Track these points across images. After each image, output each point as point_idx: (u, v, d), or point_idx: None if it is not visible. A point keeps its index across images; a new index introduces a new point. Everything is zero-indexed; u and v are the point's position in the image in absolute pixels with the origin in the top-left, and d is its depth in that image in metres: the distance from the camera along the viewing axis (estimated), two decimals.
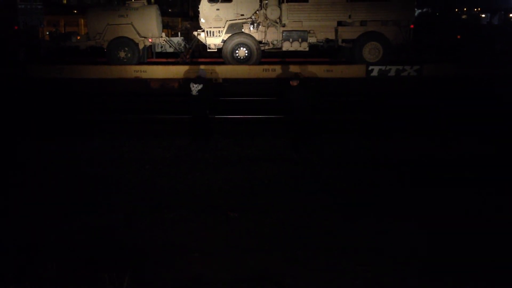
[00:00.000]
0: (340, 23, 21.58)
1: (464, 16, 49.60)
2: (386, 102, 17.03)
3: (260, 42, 21.64)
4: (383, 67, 20.84)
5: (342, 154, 11.30)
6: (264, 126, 13.71)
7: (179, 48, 22.26)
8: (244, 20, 21.48)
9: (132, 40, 21.49)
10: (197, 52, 24.55)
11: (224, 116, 14.62)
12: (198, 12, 22.09)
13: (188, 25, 26.61)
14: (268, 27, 21.61)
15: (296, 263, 6.64)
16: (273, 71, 20.04)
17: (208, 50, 22.35)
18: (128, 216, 8.04)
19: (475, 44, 26.58)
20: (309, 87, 12.17)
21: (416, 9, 28.06)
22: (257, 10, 21.49)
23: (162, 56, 23.37)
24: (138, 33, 21.54)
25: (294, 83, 11.46)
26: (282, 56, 23.24)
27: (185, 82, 19.99)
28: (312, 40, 21.69)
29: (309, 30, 21.55)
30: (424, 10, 46.96)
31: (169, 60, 22.25)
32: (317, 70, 20.94)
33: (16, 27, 23.71)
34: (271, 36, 21.73)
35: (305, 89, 11.68)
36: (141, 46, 21.86)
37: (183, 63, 21.47)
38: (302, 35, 21.45)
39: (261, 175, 9.88)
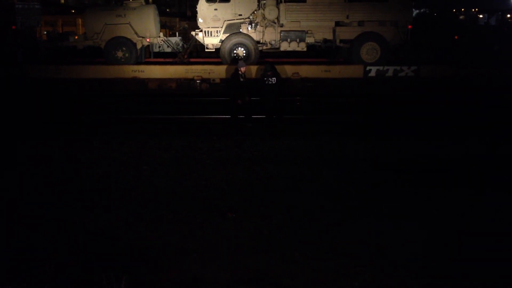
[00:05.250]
0: (338, 23, 21.62)
1: (461, 17, 49.68)
2: (384, 102, 17.06)
3: (258, 42, 21.66)
4: (380, 68, 20.88)
5: (341, 154, 11.30)
6: (263, 126, 13.68)
7: (177, 48, 22.27)
8: (242, 20, 21.49)
9: (130, 40, 21.49)
10: (195, 52, 24.57)
11: (222, 116, 14.61)
12: (196, 12, 22.10)
13: (186, 25, 26.66)
14: (266, 27, 21.62)
15: (294, 264, 6.64)
16: None
17: (206, 50, 22.37)
18: (126, 217, 8.02)
19: (473, 45, 26.64)
20: (280, 76, 14.13)
21: (413, 9, 28.12)
22: (255, 10, 21.50)
23: (160, 56, 23.38)
24: (136, 33, 21.54)
25: (269, 72, 13.51)
26: (280, 56, 23.25)
27: (183, 81, 20.02)
28: (310, 40, 21.72)
29: (307, 30, 21.57)
30: (422, 10, 47.02)
31: (167, 60, 22.25)
32: (315, 70, 20.97)
33: (13, 27, 23.68)
34: (269, 36, 21.75)
35: (278, 75, 13.80)
36: (139, 46, 21.86)
37: (181, 63, 21.47)
38: (300, 35, 21.47)
39: (260, 176, 9.87)
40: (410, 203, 8.60)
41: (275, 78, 13.51)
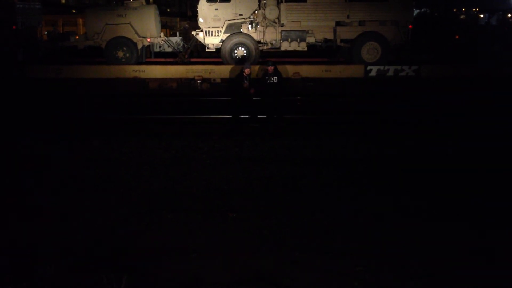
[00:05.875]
0: (338, 23, 21.63)
1: (462, 16, 49.69)
2: (385, 102, 17.06)
3: (259, 42, 21.67)
4: (381, 67, 20.90)
5: (341, 154, 11.29)
6: (263, 126, 13.68)
7: (177, 48, 22.29)
8: (242, 20, 21.50)
9: (130, 40, 21.51)
10: (195, 52, 24.59)
11: (222, 116, 14.62)
12: (197, 12, 22.12)
13: (187, 25, 26.66)
14: (266, 27, 21.63)
15: (294, 264, 6.64)
16: None
17: (207, 50, 22.38)
18: (126, 217, 8.03)
19: (473, 45, 26.64)
20: (281, 75, 13.93)
21: (414, 9, 28.12)
22: (256, 10, 21.51)
23: (161, 56, 23.39)
24: (137, 33, 21.56)
25: (271, 69, 13.42)
26: (281, 56, 23.26)
27: (183, 81, 20.02)
28: (310, 40, 21.73)
29: (308, 30, 21.58)
30: (423, 10, 47.04)
31: (168, 60, 22.26)
32: (316, 70, 20.98)
33: (14, 27, 23.69)
34: (269, 36, 21.76)
35: (279, 74, 13.63)
36: (139, 46, 21.88)
37: (182, 63, 21.49)
38: (301, 35, 21.48)
39: (260, 176, 9.87)
40: (410, 202, 8.59)
41: (276, 77, 13.44)
